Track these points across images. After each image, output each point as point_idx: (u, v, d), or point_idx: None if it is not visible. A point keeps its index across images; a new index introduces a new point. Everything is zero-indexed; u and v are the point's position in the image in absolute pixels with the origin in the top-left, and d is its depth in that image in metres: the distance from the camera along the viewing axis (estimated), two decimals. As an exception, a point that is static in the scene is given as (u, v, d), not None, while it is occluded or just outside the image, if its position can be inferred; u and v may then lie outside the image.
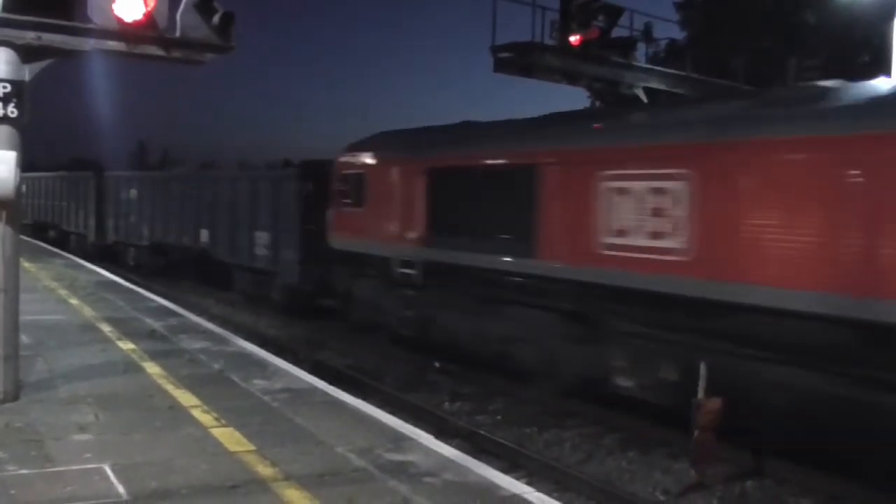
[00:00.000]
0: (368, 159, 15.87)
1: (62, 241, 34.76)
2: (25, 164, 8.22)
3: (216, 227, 22.85)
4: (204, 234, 23.47)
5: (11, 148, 7.91)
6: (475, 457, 7.71)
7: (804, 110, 9.03)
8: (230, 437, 7.44)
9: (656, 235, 9.85)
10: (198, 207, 24.03)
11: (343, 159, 16.70)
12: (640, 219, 10.03)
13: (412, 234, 14.25)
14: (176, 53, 8.71)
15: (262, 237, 20.29)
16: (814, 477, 8.81)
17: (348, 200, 16.11)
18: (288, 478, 6.43)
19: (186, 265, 25.15)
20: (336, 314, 17.82)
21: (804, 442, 8.58)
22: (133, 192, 28.83)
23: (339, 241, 16.54)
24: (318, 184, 17.97)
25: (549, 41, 15.91)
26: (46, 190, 38.35)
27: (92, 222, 31.94)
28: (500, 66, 16.30)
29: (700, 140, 9.65)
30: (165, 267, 26.33)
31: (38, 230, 38.04)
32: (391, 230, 14.76)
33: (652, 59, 20.40)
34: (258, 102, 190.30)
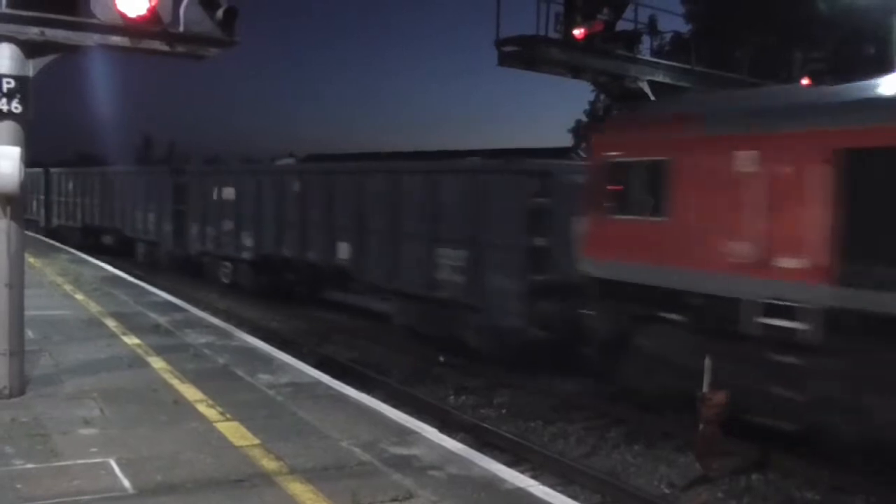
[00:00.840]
0: (675, 137, 10.28)
1: (122, 251, 29.23)
2: (29, 160, 8.21)
3: (364, 239, 16.70)
4: (343, 249, 17.32)
5: (16, 143, 7.91)
6: (480, 450, 7.73)
7: None
8: (235, 432, 7.46)
9: None
10: (332, 211, 17.72)
11: (607, 141, 11.49)
12: None
13: (798, 261, 8.80)
14: (180, 48, 8.71)
15: (450, 256, 14.33)
16: (818, 470, 8.80)
17: (622, 203, 10.81)
18: (293, 471, 6.45)
19: (311, 287, 20.01)
20: (586, 371, 11.86)
21: None
22: (229, 191, 22.27)
23: (605, 264, 10.86)
24: (548, 182, 13.08)
25: (553, 34, 15.89)
26: (102, 188, 31.84)
27: (168, 227, 25.69)
28: (505, 59, 16.27)
29: None
30: (274, 287, 20.79)
31: (88, 235, 32.61)
32: (739, 252, 9.24)
33: (657, 52, 20.40)
34: (260, 96, 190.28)
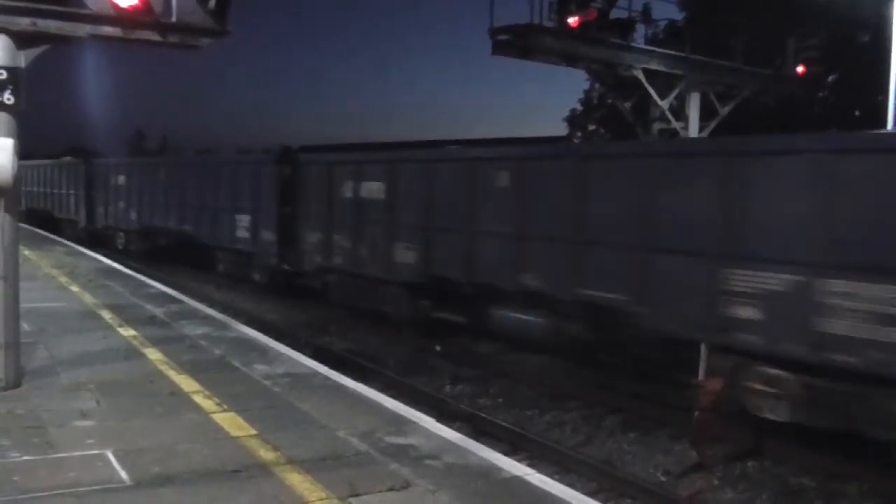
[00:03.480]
0: None
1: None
2: (22, 152, 8.18)
3: None
4: None
5: (8, 135, 7.86)
6: (476, 439, 7.73)
7: None
8: (232, 422, 7.46)
9: None
10: None
11: None
12: None
13: None
14: (172, 39, 8.64)
15: None
16: (813, 456, 8.85)
17: None
18: (290, 462, 6.45)
19: None
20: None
21: None
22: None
23: None
24: None
25: (547, 23, 15.86)
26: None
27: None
28: (499, 48, 16.25)
29: None
30: None
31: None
32: None
33: (651, 40, 20.38)
34: (253, 91, 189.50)
